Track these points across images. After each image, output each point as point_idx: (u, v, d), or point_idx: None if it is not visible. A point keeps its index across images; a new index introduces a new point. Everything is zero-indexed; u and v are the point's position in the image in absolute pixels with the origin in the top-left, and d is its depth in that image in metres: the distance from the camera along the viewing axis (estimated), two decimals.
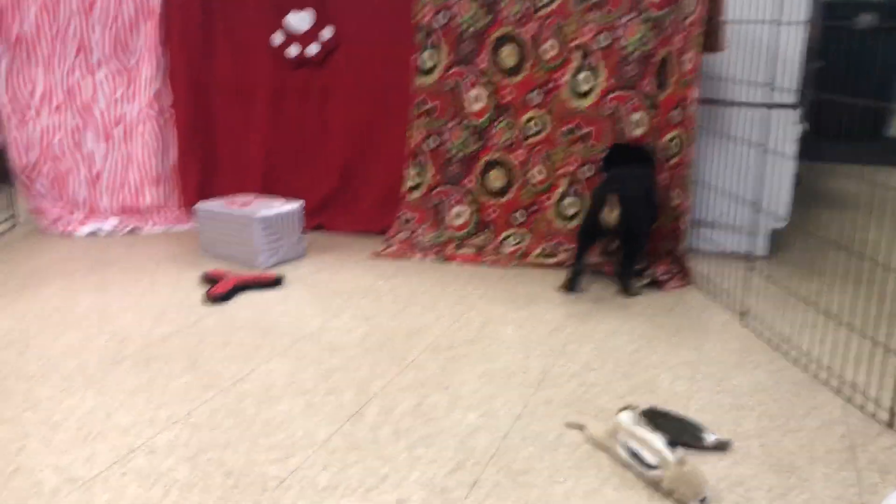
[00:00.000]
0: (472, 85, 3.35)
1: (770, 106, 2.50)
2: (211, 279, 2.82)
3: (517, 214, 3.37)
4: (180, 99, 3.60)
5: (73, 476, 1.66)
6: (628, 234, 2.78)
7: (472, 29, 3.32)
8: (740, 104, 3.13)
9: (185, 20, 3.53)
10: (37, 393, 2.02)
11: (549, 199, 3.30)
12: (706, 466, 1.70)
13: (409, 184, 3.47)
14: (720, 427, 1.87)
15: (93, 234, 3.47)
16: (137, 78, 3.59)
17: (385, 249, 3.27)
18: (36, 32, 3.47)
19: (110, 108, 3.59)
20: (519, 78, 3.29)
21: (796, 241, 3.46)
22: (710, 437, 1.79)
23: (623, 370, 2.19)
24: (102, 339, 2.35)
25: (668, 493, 1.60)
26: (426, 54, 3.39)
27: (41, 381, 2.08)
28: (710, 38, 2.88)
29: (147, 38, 3.56)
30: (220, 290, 2.68)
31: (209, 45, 3.58)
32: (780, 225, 3.18)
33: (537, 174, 3.31)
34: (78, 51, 3.54)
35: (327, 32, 3.48)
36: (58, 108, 3.53)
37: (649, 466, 1.63)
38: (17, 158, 3.45)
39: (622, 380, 2.13)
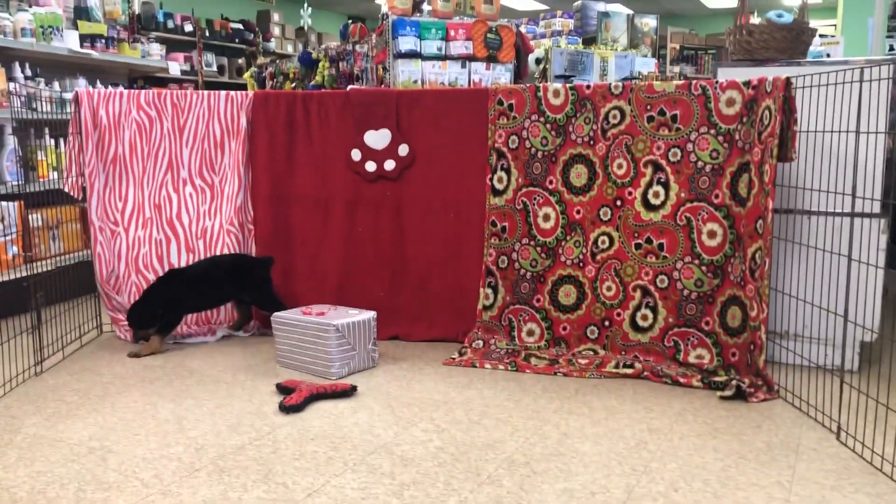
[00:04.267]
0: (542, 205, 3.39)
1: (853, 215, 2.47)
2: (285, 389, 2.84)
3: (589, 330, 3.31)
4: (260, 213, 3.74)
5: None
6: None
7: (541, 152, 3.39)
8: (823, 213, 3.07)
9: (269, 140, 3.72)
10: None
11: (622, 312, 3.24)
12: None
13: (484, 303, 3.48)
14: None
15: (174, 343, 3.55)
16: (221, 194, 3.77)
17: (458, 358, 3.24)
18: (130, 153, 3.70)
19: (194, 222, 3.75)
20: (589, 196, 3.31)
21: (888, 353, 3.29)
22: None
23: (712, 490, 2.07)
24: (179, 448, 2.36)
25: None
26: (497, 176, 3.46)
27: (119, 491, 2.09)
28: (783, 148, 2.87)
29: (232, 156, 3.75)
30: (294, 401, 2.69)
31: (290, 161, 3.74)
32: (870, 337, 3.04)
33: (606, 290, 3.27)
34: (167, 169, 3.75)
35: (403, 150, 3.61)
36: (145, 222, 3.71)
37: None
38: (102, 271, 3.61)
39: (711, 501, 2.01)
